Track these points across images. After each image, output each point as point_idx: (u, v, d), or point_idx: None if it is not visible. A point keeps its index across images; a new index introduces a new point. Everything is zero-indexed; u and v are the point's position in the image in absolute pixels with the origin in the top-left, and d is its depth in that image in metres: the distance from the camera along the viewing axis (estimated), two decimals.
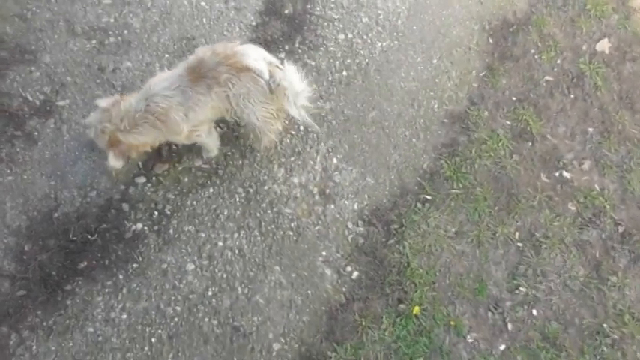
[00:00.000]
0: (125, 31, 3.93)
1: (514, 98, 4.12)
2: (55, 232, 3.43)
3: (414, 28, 4.21)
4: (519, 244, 3.73)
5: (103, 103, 3.28)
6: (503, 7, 4.38)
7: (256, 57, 3.27)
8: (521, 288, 3.62)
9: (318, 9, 4.16)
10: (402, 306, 3.50)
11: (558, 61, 4.25)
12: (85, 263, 3.38)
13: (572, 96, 4.16)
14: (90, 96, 3.73)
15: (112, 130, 3.22)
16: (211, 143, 3.59)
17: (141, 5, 4.00)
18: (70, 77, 3.77)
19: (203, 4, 4.07)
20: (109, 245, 3.44)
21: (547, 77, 4.20)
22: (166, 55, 3.89)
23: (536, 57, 4.24)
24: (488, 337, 3.50)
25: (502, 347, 3.48)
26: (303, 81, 3.41)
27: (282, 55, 3.96)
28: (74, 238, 3.42)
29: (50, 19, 3.88)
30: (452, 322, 3.50)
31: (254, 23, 4.06)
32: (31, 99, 3.68)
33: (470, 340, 3.48)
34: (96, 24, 3.91)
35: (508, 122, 4.04)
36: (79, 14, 3.92)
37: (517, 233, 3.75)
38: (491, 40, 4.27)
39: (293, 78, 3.31)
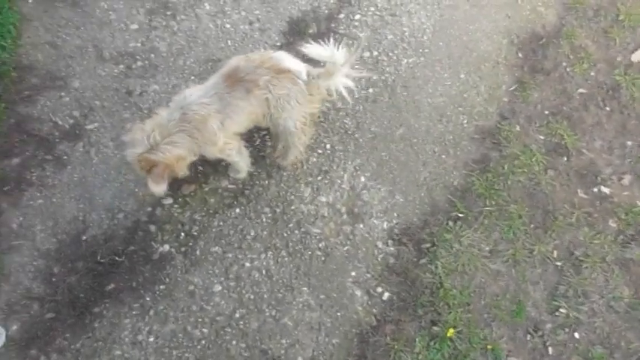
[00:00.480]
0: (152, 55, 3.98)
1: (547, 112, 3.99)
2: (83, 255, 3.43)
3: (440, 43, 4.15)
4: (558, 263, 3.57)
5: (128, 135, 3.22)
6: (532, 21, 4.30)
7: (292, 60, 3.28)
8: (561, 310, 3.45)
9: (342, 28, 4.15)
10: (435, 328, 3.37)
11: (592, 74, 4.12)
12: (113, 285, 3.37)
13: (607, 109, 4.02)
14: (118, 119, 3.77)
15: (143, 153, 3.13)
16: (241, 162, 3.55)
17: (167, 30, 4.06)
18: (99, 101, 3.82)
19: (228, 26, 4.10)
20: (136, 267, 3.42)
21: (581, 90, 4.07)
22: (192, 77, 3.91)
23: (568, 70, 4.12)
24: None
25: None
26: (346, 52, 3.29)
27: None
28: (102, 260, 3.41)
29: (79, 46, 3.96)
30: (489, 346, 3.34)
31: (278, 44, 4.06)
32: (60, 123, 3.73)
33: None
34: (123, 49, 3.98)
35: (541, 137, 3.91)
36: (107, 40, 3.99)
37: (555, 252, 3.59)
38: (520, 54, 4.17)
39: (337, 52, 3.21)
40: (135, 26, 4.05)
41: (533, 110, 4.00)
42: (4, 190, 3.51)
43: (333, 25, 4.16)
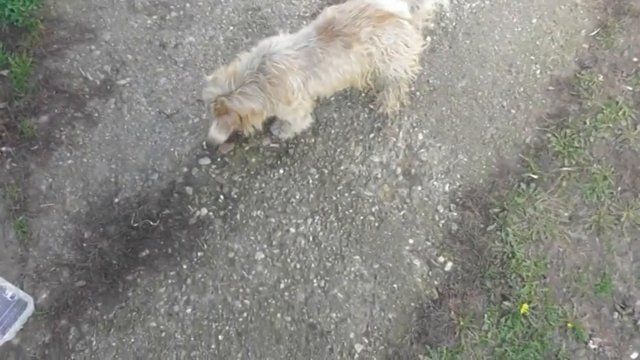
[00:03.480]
0: (187, 5, 3.54)
1: (635, 59, 3.36)
2: (115, 219, 3.06)
3: None
4: None
5: (211, 74, 2.85)
6: None
7: (391, 1, 2.77)
8: None
9: None
10: (506, 304, 2.87)
11: None
12: (147, 252, 2.99)
13: None
14: (151, 73, 3.35)
15: (219, 95, 2.74)
16: (298, 127, 3.09)
17: None
18: (131, 55, 3.41)
19: None
20: (172, 232, 3.02)
21: None
22: (230, 28, 3.46)
23: None
24: (616, 343, 2.80)
25: (634, 356, 2.79)
26: None
27: None
28: (135, 225, 3.03)
29: None
30: (569, 324, 2.83)
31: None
32: (91, 79, 3.35)
33: (593, 347, 2.80)
34: None
35: (629, 87, 3.29)
36: None
37: None
38: None
39: None
40: None
41: (619, 57, 3.37)
42: (33, 149, 3.15)
43: None
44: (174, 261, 2.98)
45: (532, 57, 3.39)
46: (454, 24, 3.45)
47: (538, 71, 3.35)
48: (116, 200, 3.10)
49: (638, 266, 2.93)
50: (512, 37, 3.44)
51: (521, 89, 3.31)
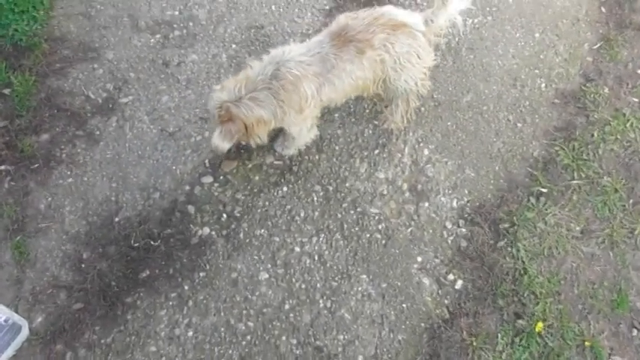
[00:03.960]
0: (190, 24, 3.49)
1: (639, 71, 3.31)
2: (115, 239, 2.94)
3: (510, 1, 3.51)
4: None
5: (220, 83, 2.77)
6: None
7: (405, 12, 2.75)
8: None
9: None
10: (520, 322, 2.73)
11: None
12: (148, 272, 2.86)
13: None
14: (153, 92, 3.28)
15: (225, 101, 2.64)
16: (303, 140, 2.99)
17: None
18: (134, 73, 3.35)
19: None
20: (173, 252, 2.91)
21: None
22: (233, 46, 3.41)
23: None
24: None
25: None
26: None
27: None
28: (136, 245, 2.92)
29: (114, 16, 3.52)
30: (587, 343, 2.68)
31: (327, 7, 3.51)
32: (93, 97, 3.28)
33: None
34: (160, 18, 3.50)
35: (635, 99, 3.21)
36: (143, 9, 3.53)
37: None
38: (603, 9, 3.48)
39: None
40: None
41: (624, 70, 3.31)
42: (32, 168, 3.05)
43: None
44: (175, 282, 2.85)
45: (536, 71, 3.32)
46: (457, 39, 3.40)
47: (543, 85, 3.28)
48: (116, 219, 2.99)
49: None
50: (516, 52, 3.38)
51: (527, 103, 3.23)
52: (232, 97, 2.63)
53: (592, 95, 3.22)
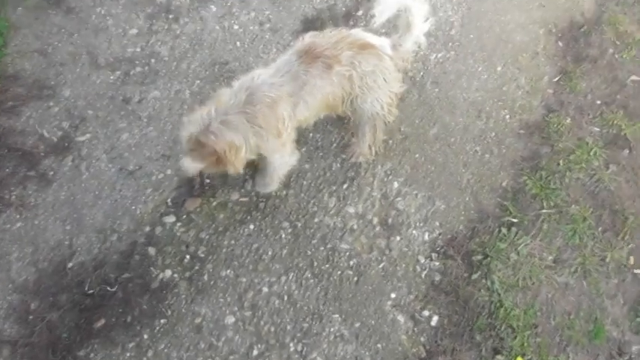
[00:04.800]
0: (152, 60, 3.36)
1: (599, 102, 3.30)
2: (67, 286, 2.68)
3: (471, 36, 3.52)
4: (636, 271, 2.80)
5: (189, 114, 2.59)
6: (569, 9, 3.66)
7: (372, 35, 2.67)
8: None
9: (361, 25, 3.54)
10: (499, 358, 2.58)
11: None
12: (103, 321, 2.61)
13: None
14: (113, 129, 3.10)
15: (195, 133, 2.46)
16: (285, 168, 2.82)
17: (169, 33, 3.45)
18: (92, 110, 3.17)
19: (236, 27, 3.50)
20: (131, 298, 2.67)
21: (634, 77, 3.39)
22: (197, 82, 3.28)
23: (616, 56, 3.45)
24: None
25: None
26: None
27: None
28: (90, 292, 2.67)
29: (72, 53, 3.35)
30: None
31: (292, 43, 3.47)
32: (47, 136, 3.07)
33: None
34: (121, 55, 3.36)
35: (597, 128, 3.21)
36: (103, 46, 3.39)
37: (632, 258, 2.83)
38: (560, 43, 3.52)
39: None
40: (134, 31, 3.45)
41: (584, 100, 3.32)
42: None
43: (351, 23, 3.53)
44: (133, 331, 2.60)
45: (500, 103, 3.29)
46: (422, 73, 3.36)
47: (507, 116, 3.25)
48: (69, 265, 2.74)
49: (628, 309, 2.71)
50: (479, 85, 3.36)
51: (493, 134, 3.19)
52: (201, 126, 2.46)
53: (555, 125, 3.21)
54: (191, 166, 2.55)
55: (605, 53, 3.47)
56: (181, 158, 2.56)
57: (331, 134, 3.12)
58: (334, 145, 3.10)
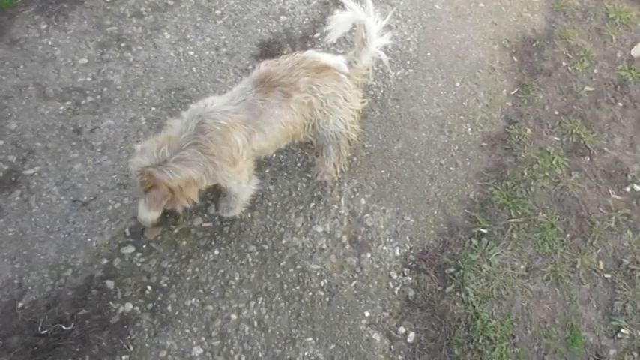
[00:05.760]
0: (105, 89, 3.46)
1: (557, 112, 3.59)
2: (18, 327, 2.65)
3: (428, 54, 3.80)
4: (607, 275, 3.00)
5: (140, 144, 2.63)
6: (520, 26, 4.03)
7: (326, 55, 2.81)
8: (623, 330, 2.83)
9: (319, 47, 3.78)
10: None
11: (595, 71, 3.80)
12: None
13: (620, 104, 3.66)
14: (64, 160, 3.15)
15: (149, 167, 2.50)
16: (245, 195, 2.92)
17: (122, 61, 3.59)
18: (41, 143, 3.22)
19: (191, 53, 3.67)
20: (89, 335, 2.65)
21: (587, 88, 3.72)
22: (153, 108, 3.39)
23: (569, 69, 3.80)
24: None
25: None
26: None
27: None
28: (44, 332, 2.64)
29: (18, 85, 3.41)
30: None
31: (250, 67, 3.63)
32: None
33: None
34: (71, 84, 3.45)
35: (557, 138, 3.48)
36: (52, 77, 3.47)
37: (601, 262, 3.03)
38: (515, 58, 3.85)
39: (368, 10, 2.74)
40: (84, 60, 3.56)
41: (542, 112, 3.60)
42: None
43: (309, 45, 3.77)
44: None
45: (461, 117, 3.54)
46: (382, 91, 3.60)
47: (469, 129, 3.49)
48: (20, 305, 2.72)
49: (602, 313, 2.89)
50: (440, 100, 3.61)
51: (457, 147, 3.41)
52: (155, 160, 2.52)
53: (516, 137, 3.46)
54: (149, 215, 2.57)
55: (558, 66, 3.81)
56: (137, 210, 2.60)
57: (294, 154, 3.27)
58: (298, 164, 3.24)
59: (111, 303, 2.76)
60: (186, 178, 2.55)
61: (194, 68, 3.61)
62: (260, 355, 2.66)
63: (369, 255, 2.98)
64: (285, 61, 2.72)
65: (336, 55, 2.88)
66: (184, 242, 2.95)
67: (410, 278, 2.92)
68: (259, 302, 2.80)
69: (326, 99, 2.73)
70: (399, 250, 3.01)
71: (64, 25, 3.74)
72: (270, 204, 3.09)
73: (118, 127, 3.32)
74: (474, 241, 3.05)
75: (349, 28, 2.81)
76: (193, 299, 2.79)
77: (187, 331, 2.70)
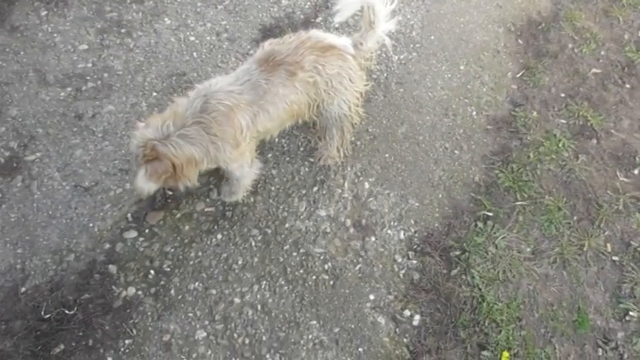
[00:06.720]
0: (105, 75, 3.48)
1: (563, 95, 3.60)
2: (22, 312, 2.68)
3: (432, 37, 3.80)
4: (615, 257, 3.01)
5: (145, 120, 2.65)
6: (525, 8, 4.02)
7: (332, 36, 2.82)
8: (631, 313, 2.85)
9: (321, 31, 3.79)
10: (485, 353, 2.69)
11: (602, 53, 3.80)
12: (62, 347, 2.60)
13: (628, 86, 3.66)
14: (65, 146, 3.18)
15: (151, 139, 2.52)
16: (247, 179, 2.92)
17: (122, 47, 3.61)
18: (42, 129, 3.25)
19: (192, 39, 3.69)
20: (92, 319, 2.68)
21: (594, 70, 3.72)
22: (154, 94, 3.41)
23: (576, 51, 3.79)
24: None
25: None
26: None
27: None
28: (47, 316, 2.67)
29: (18, 72, 3.44)
30: None
31: (252, 52, 3.65)
32: None
33: None
34: (71, 71, 3.48)
35: (563, 120, 3.48)
36: (52, 63, 3.50)
37: (609, 245, 3.04)
38: (520, 41, 3.84)
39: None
40: (84, 47, 3.58)
41: (548, 94, 3.61)
42: None
43: (310, 29, 3.81)
44: (96, 354, 2.61)
45: (466, 100, 3.55)
46: (385, 74, 3.60)
47: (474, 112, 3.50)
48: (23, 290, 2.75)
49: (610, 296, 2.90)
50: (444, 83, 3.62)
51: (461, 131, 3.42)
52: (159, 134, 2.54)
53: (522, 119, 3.47)
54: (146, 186, 2.59)
55: (564, 48, 3.81)
56: (135, 178, 2.60)
57: (297, 138, 3.29)
58: (301, 149, 3.26)
59: (114, 287, 2.79)
60: (188, 156, 2.58)
61: (195, 53, 3.63)
62: (264, 338, 2.68)
63: (373, 238, 3.00)
64: (289, 40, 2.72)
65: (339, 35, 2.89)
66: (187, 227, 2.98)
67: (415, 261, 2.94)
68: (263, 286, 2.82)
69: (331, 79, 2.73)
70: (404, 234, 3.02)
71: (63, 12, 3.76)
72: (272, 188, 3.11)
73: (119, 112, 3.34)
74: (480, 224, 3.05)
75: (358, 8, 2.82)
76: (196, 283, 2.82)
77: (191, 315, 2.73)
